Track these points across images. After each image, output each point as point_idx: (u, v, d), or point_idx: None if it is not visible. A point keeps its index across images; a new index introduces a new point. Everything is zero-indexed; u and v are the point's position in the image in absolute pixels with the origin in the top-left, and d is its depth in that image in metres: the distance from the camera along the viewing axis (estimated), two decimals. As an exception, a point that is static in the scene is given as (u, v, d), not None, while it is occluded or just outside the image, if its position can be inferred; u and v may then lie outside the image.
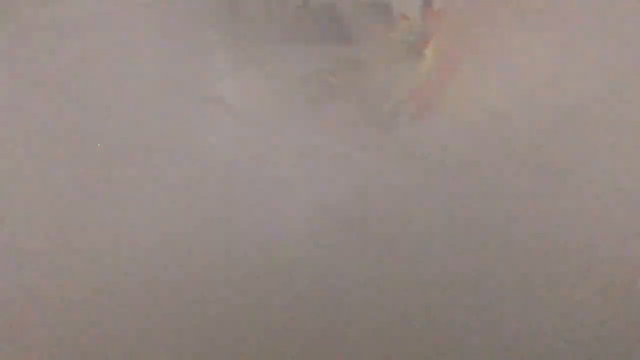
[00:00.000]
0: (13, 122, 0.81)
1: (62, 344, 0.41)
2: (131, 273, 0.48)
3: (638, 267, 0.48)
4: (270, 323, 0.38)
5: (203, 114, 0.61)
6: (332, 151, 0.58)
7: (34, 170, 0.57)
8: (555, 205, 0.50)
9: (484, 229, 0.47)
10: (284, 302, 0.40)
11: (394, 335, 0.36)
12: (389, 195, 0.44)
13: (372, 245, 0.42)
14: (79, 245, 0.51)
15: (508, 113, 0.48)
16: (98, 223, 0.54)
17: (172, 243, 0.47)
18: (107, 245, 0.48)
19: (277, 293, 0.40)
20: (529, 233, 0.52)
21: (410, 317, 0.39)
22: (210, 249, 0.47)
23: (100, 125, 0.77)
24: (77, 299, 0.46)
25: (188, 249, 0.46)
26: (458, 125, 0.54)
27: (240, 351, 0.38)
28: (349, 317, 0.38)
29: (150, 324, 0.42)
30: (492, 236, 0.44)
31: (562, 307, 0.41)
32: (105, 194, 0.53)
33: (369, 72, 1.22)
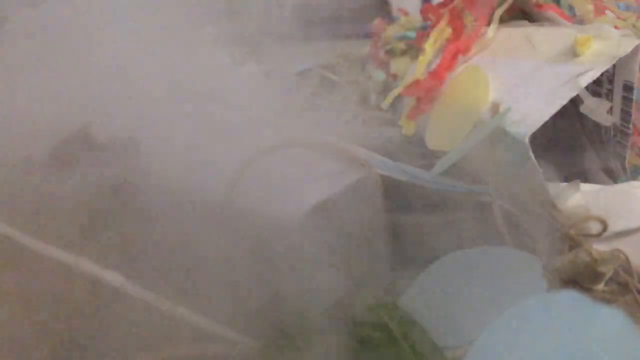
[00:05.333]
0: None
1: None
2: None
3: None
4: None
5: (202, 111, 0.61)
6: (333, 147, 0.58)
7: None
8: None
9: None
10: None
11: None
12: (388, 190, 0.44)
13: (372, 238, 0.42)
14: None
15: (509, 106, 0.48)
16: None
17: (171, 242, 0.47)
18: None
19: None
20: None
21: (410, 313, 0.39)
22: (209, 245, 0.47)
23: (100, 119, 0.77)
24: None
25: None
26: (457, 118, 0.54)
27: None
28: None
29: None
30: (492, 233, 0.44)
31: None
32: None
33: (369, 68, 1.22)
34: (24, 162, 0.39)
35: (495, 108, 0.50)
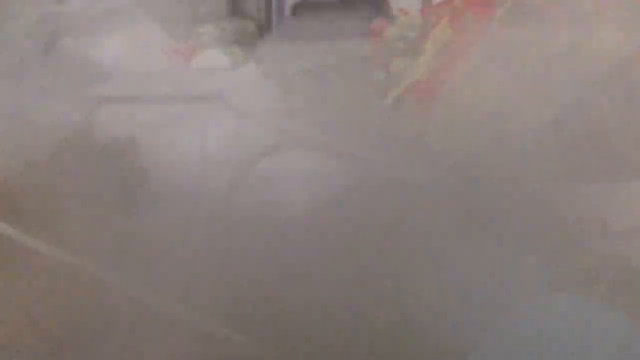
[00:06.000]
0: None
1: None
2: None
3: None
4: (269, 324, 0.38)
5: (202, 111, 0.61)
6: (333, 147, 0.58)
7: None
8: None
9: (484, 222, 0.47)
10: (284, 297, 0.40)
11: (391, 335, 0.36)
12: (390, 189, 0.44)
13: (372, 237, 0.42)
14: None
15: (509, 107, 0.48)
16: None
17: (172, 241, 0.47)
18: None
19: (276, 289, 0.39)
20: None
21: (411, 311, 0.39)
22: (210, 244, 0.47)
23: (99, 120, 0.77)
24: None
25: (186, 243, 0.46)
26: (458, 119, 0.54)
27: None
28: (348, 314, 0.38)
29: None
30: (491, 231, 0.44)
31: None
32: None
33: (369, 67, 1.22)
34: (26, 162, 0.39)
35: (497, 108, 0.50)
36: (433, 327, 0.32)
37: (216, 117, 0.58)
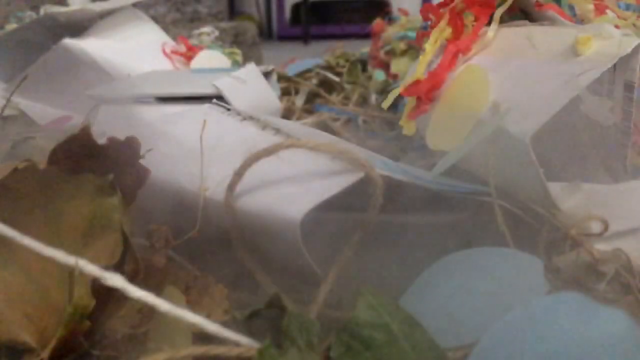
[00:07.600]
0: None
1: None
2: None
3: None
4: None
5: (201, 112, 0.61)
6: (333, 147, 0.58)
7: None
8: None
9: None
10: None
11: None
12: (389, 191, 0.44)
13: (372, 238, 0.42)
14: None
15: (508, 106, 0.48)
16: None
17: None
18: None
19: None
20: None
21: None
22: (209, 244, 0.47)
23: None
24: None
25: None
26: (458, 118, 0.54)
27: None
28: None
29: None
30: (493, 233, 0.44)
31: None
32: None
33: (369, 68, 1.22)
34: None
35: (496, 108, 0.50)
36: (433, 327, 0.32)
37: (216, 117, 0.58)
